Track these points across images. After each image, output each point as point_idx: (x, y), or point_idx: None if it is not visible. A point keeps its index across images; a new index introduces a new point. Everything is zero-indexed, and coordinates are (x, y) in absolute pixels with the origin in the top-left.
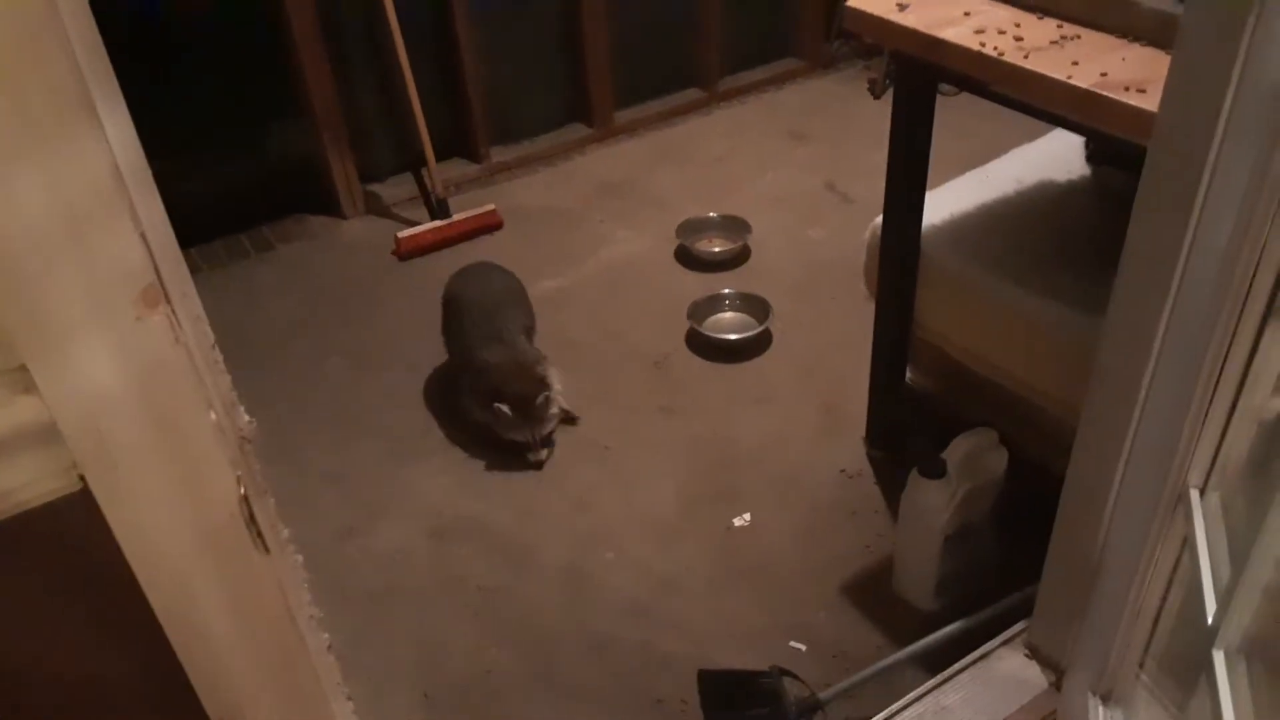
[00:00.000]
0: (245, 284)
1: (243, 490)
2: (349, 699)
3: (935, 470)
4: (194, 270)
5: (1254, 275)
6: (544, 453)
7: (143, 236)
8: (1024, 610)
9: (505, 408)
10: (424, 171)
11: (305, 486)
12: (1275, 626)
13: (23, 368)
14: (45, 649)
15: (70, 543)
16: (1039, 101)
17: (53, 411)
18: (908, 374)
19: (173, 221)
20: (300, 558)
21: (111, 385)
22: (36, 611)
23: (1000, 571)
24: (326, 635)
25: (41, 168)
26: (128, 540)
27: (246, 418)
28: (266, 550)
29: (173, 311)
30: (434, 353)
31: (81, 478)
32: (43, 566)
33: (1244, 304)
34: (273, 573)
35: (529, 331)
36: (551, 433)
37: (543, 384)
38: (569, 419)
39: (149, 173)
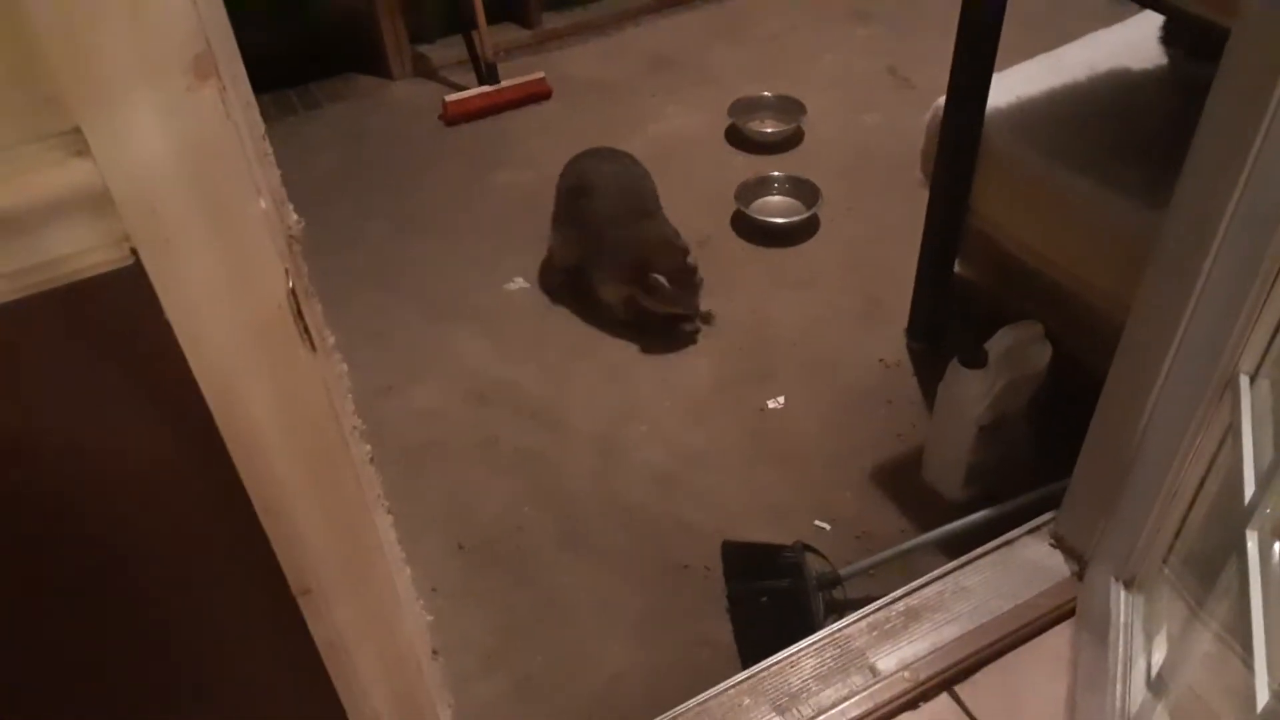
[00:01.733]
0: (292, 140)
1: (290, 284)
2: (389, 512)
3: (976, 360)
4: None
5: None
6: (700, 321)
7: (195, 1)
8: (1052, 503)
9: (662, 279)
10: (474, 34)
11: (345, 343)
12: None
13: (76, 130)
14: (97, 423)
15: (123, 318)
16: None
17: (105, 177)
18: (956, 265)
19: None
20: (345, 367)
21: (163, 155)
22: (90, 384)
23: (1031, 466)
24: (369, 447)
25: None
26: (179, 320)
27: (295, 217)
28: (313, 348)
29: (224, 87)
30: (476, 220)
31: (134, 251)
32: (97, 339)
33: None
34: (318, 372)
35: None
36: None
37: (688, 251)
38: None
39: None
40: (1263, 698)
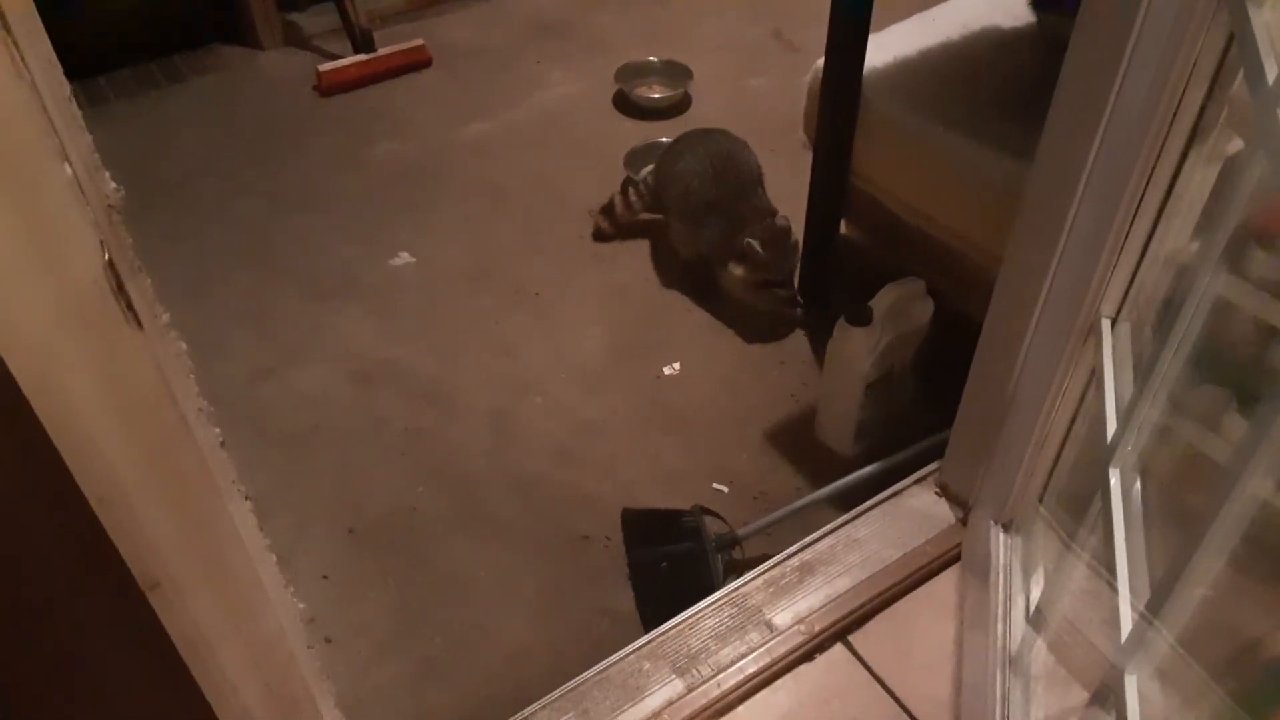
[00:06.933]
0: (156, 116)
1: (108, 256)
2: (247, 498)
3: (861, 318)
4: (102, 101)
5: (1179, 102)
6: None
7: None
8: (937, 453)
9: (756, 243)
10: (347, 1)
11: (220, 327)
12: (1165, 449)
13: None
14: None
15: None
16: None
17: None
18: (842, 226)
19: (79, 47)
20: (184, 345)
21: None
22: None
23: (918, 418)
24: (218, 430)
25: None
26: None
27: (114, 185)
28: (140, 326)
29: (14, 42)
30: (356, 194)
31: None
32: None
33: (1168, 132)
34: (148, 350)
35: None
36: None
37: (787, 222)
38: None
39: None
40: (1128, 623)
